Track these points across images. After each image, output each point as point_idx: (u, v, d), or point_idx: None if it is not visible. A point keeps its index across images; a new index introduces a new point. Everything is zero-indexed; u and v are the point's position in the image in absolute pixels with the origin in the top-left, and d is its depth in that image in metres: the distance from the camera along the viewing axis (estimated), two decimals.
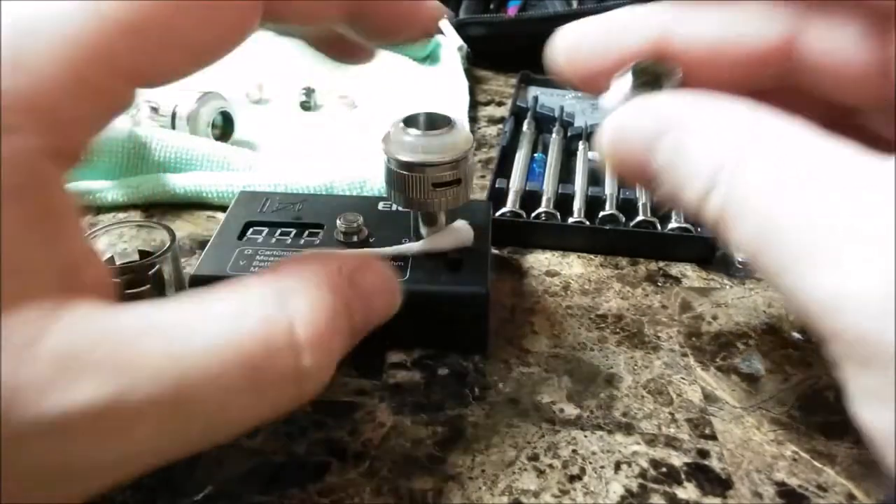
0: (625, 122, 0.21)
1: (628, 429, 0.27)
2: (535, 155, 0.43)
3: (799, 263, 0.16)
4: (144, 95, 0.46)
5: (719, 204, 0.18)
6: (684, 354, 0.30)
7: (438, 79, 0.55)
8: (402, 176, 0.29)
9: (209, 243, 0.31)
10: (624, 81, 0.21)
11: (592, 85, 0.23)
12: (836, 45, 0.20)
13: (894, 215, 0.15)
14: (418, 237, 0.31)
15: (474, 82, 0.56)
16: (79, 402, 0.15)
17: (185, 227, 0.39)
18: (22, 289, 0.15)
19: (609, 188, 0.39)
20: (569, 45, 0.23)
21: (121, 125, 0.42)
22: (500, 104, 0.54)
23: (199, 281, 0.29)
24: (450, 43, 0.57)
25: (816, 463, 0.25)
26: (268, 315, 0.18)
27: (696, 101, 0.19)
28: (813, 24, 0.20)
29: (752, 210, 0.17)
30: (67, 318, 0.16)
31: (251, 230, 0.32)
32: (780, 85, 0.21)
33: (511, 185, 0.39)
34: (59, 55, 0.17)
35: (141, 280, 0.26)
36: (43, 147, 0.17)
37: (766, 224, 0.17)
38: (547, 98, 0.51)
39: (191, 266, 0.30)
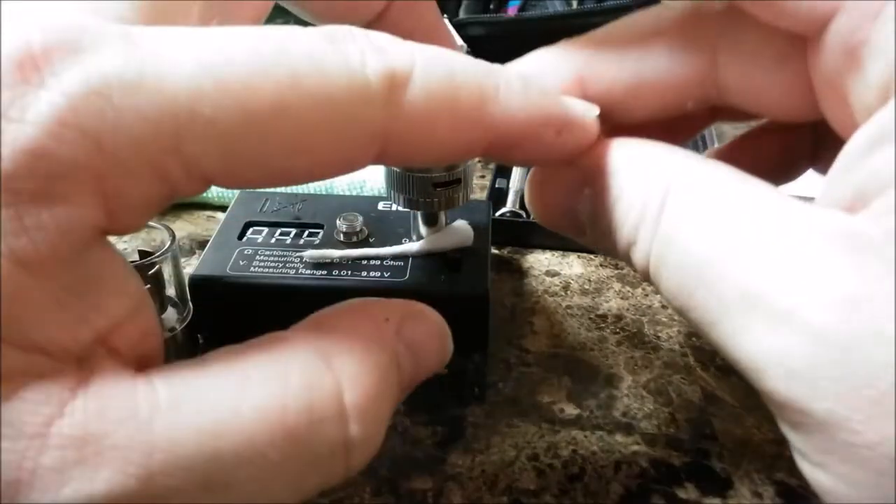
0: (546, 177, 0.20)
1: (628, 429, 0.27)
2: None
3: (723, 319, 0.15)
4: None
5: (644, 256, 0.17)
6: (684, 354, 0.30)
7: None
8: (402, 176, 0.29)
9: (209, 243, 0.31)
10: None
11: None
12: (753, 69, 0.19)
13: (816, 268, 0.14)
14: (418, 237, 0.31)
15: None
16: (98, 491, 0.14)
17: (185, 227, 0.39)
18: (41, 366, 0.14)
19: None
20: None
21: None
22: None
23: (200, 281, 0.29)
24: None
25: None
26: (312, 382, 0.16)
27: (616, 150, 0.18)
28: (727, 51, 0.20)
29: (674, 261, 0.16)
30: (89, 394, 0.14)
31: (251, 230, 0.32)
32: (707, 106, 0.21)
33: (511, 185, 0.39)
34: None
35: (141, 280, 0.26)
36: (93, 221, 0.14)
37: (689, 275, 0.16)
38: None
39: (191, 266, 0.30)
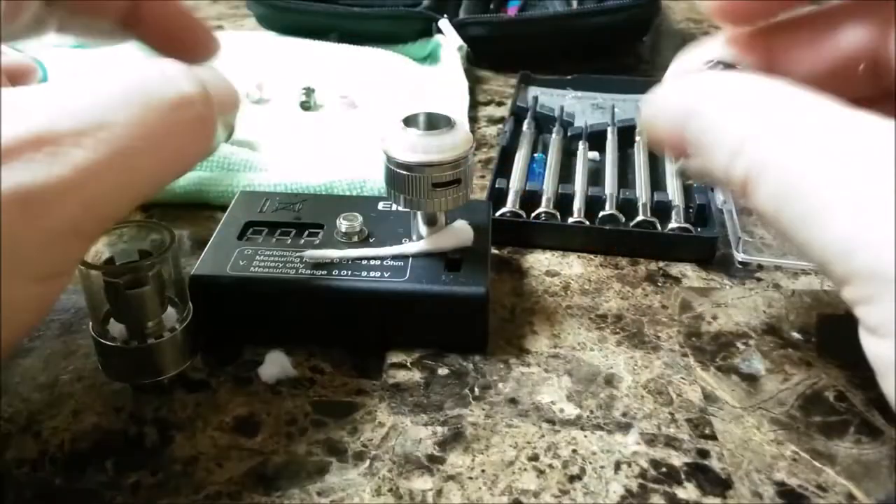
0: (659, 100, 0.24)
1: (628, 429, 0.27)
2: (535, 155, 0.43)
3: (818, 215, 0.19)
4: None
5: (744, 170, 0.20)
6: (684, 354, 0.30)
7: (438, 79, 0.55)
8: (402, 176, 0.29)
9: (209, 243, 0.31)
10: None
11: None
12: None
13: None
14: (418, 237, 0.31)
15: (474, 82, 0.56)
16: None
17: (185, 227, 0.39)
18: None
19: (609, 188, 0.39)
20: None
21: None
22: (500, 104, 0.54)
23: (200, 281, 0.29)
24: (450, 43, 0.57)
25: (816, 463, 0.25)
26: (162, 66, 0.22)
27: (721, 77, 0.22)
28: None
29: (773, 171, 0.20)
30: None
31: (251, 230, 0.32)
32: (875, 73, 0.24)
33: (511, 185, 0.39)
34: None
35: (141, 280, 0.26)
36: None
37: (787, 182, 0.19)
38: (547, 98, 0.51)
39: (191, 266, 0.30)
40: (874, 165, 0.18)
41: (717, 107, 0.21)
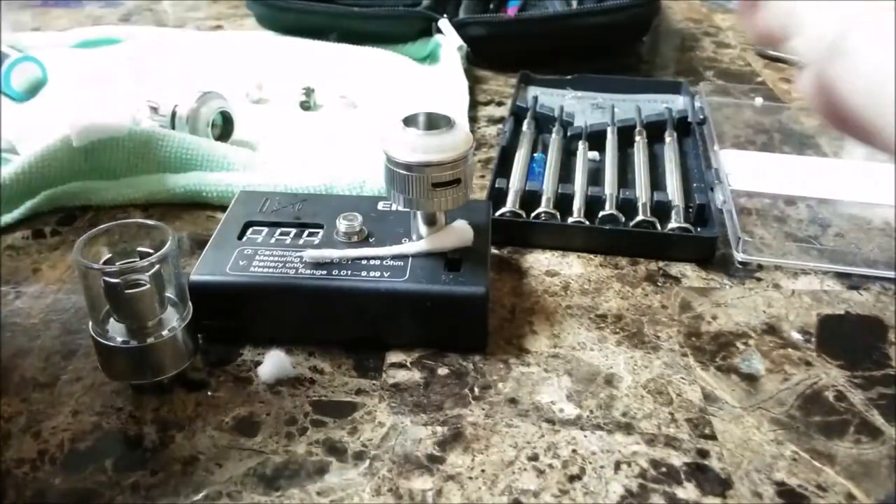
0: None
1: (628, 429, 0.27)
2: (535, 155, 0.43)
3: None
4: (144, 95, 0.46)
5: (835, 63, 0.20)
6: (684, 354, 0.30)
7: (438, 79, 0.55)
8: (402, 176, 0.29)
9: (209, 243, 0.31)
10: None
11: None
12: None
13: None
14: (418, 237, 0.31)
15: (474, 82, 0.56)
16: None
17: (185, 227, 0.39)
18: None
19: (609, 188, 0.39)
20: None
21: (121, 125, 0.42)
22: (499, 104, 0.54)
23: (199, 281, 0.29)
24: (450, 43, 0.57)
25: (816, 463, 0.25)
26: None
27: None
28: None
29: (864, 65, 0.19)
30: None
31: (251, 230, 0.32)
32: None
33: (511, 184, 0.39)
34: None
35: (141, 280, 0.26)
36: None
37: (878, 76, 0.19)
38: (547, 98, 0.51)
39: (191, 266, 0.30)
40: None
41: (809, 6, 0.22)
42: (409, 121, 0.29)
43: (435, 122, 0.30)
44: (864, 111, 0.20)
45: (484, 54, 0.59)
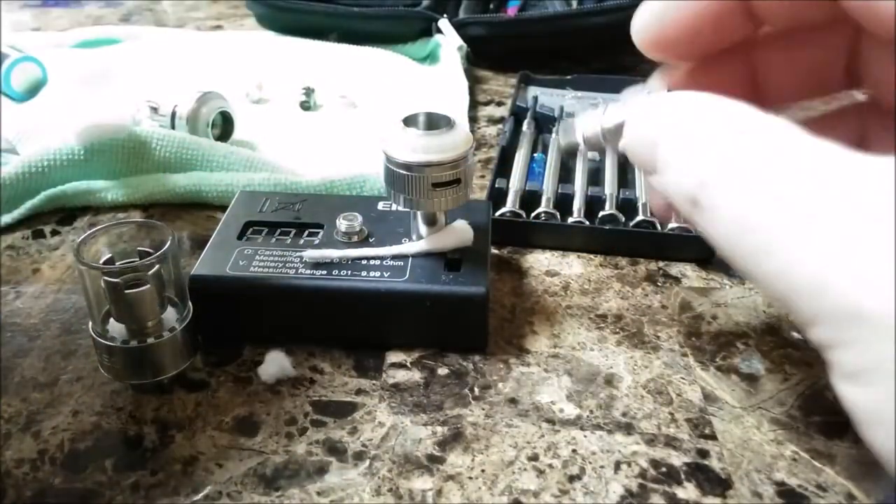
0: (635, 124, 0.23)
1: (628, 429, 0.27)
2: (535, 155, 0.43)
3: (780, 249, 0.17)
4: (144, 95, 0.46)
5: (695, 199, 0.19)
6: (684, 354, 0.30)
7: (438, 79, 0.55)
8: (402, 176, 0.29)
9: (209, 243, 0.31)
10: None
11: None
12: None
13: (873, 204, 0.16)
14: (418, 237, 0.31)
15: (474, 82, 0.56)
16: None
17: (185, 227, 0.39)
18: None
19: (609, 188, 0.39)
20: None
21: (121, 125, 0.42)
22: (499, 104, 0.54)
23: (199, 281, 0.29)
24: (450, 43, 0.57)
25: (816, 463, 0.25)
26: None
27: (671, 100, 0.21)
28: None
29: (727, 202, 0.18)
30: None
31: (251, 230, 0.32)
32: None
33: (511, 184, 0.39)
34: None
35: (141, 280, 0.26)
36: None
37: (743, 213, 0.18)
38: (547, 98, 0.51)
39: (191, 266, 0.30)
40: (841, 196, 0.16)
41: (676, 136, 0.21)
42: (409, 121, 0.29)
43: (435, 122, 0.30)
44: (730, 259, 0.19)
45: (484, 54, 0.59)
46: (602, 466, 0.25)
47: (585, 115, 0.25)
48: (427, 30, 0.60)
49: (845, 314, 0.16)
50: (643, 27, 0.24)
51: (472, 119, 0.51)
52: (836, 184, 0.17)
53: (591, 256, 0.36)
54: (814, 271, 0.16)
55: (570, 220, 0.37)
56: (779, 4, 0.22)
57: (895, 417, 0.15)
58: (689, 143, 0.20)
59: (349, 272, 0.29)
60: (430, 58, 0.60)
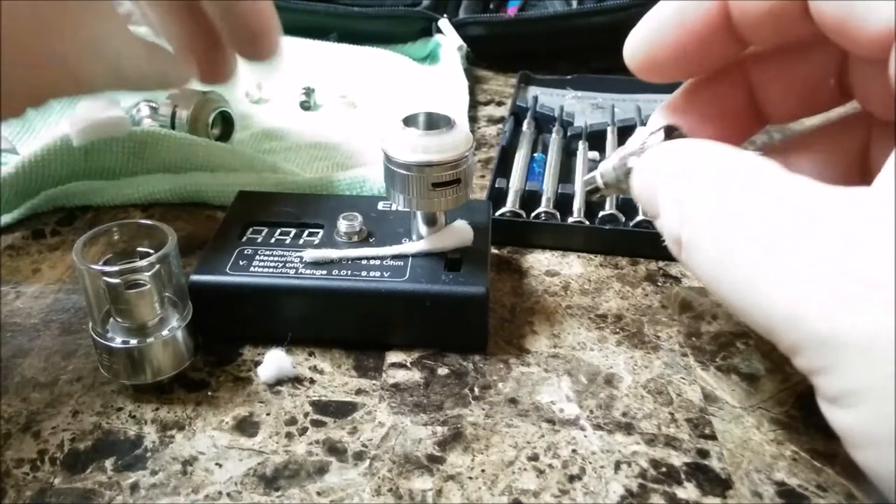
0: (637, 173, 0.24)
1: (628, 429, 0.27)
2: (535, 155, 0.43)
3: (759, 284, 0.18)
4: (144, 95, 0.46)
5: (685, 242, 0.21)
6: (684, 354, 0.30)
7: (438, 79, 0.55)
8: (402, 176, 0.29)
9: (209, 243, 0.31)
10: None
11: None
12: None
13: (843, 236, 0.17)
14: (418, 237, 0.31)
15: (474, 82, 0.56)
16: None
17: (185, 227, 0.39)
18: None
19: None
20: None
21: (121, 125, 0.42)
22: (499, 104, 0.54)
23: (199, 281, 0.29)
24: (450, 43, 0.57)
25: (816, 463, 0.25)
26: None
27: (655, 152, 0.23)
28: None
29: (708, 240, 0.20)
30: None
31: (251, 230, 0.32)
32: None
33: (511, 184, 0.39)
34: None
35: (141, 280, 0.26)
36: None
37: (723, 252, 0.19)
38: (547, 98, 0.51)
39: (191, 266, 0.30)
40: (811, 229, 0.18)
41: (663, 182, 0.22)
42: (409, 121, 0.29)
43: (435, 122, 0.30)
44: (716, 295, 0.21)
45: (484, 54, 0.59)
46: (602, 466, 0.25)
47: (605, 161, 0.27)
48: (427, 30, 0.60)
49: (821, 341, 0.17)
50: (633, 51, 0.24)
51: (472, 119, 0.51)
52: (808, 218, 0.18)
53: (591, 256, 0.36)
54: (791, 303, 0.18)
55: (570, 220, 0.37)
56: (760, 25, 0.22)
57: (880, 438, 0.17)
58: (674, 188, 0.22)
59: (349, 272, 0.29)
60: (430, 58, 0.60)
